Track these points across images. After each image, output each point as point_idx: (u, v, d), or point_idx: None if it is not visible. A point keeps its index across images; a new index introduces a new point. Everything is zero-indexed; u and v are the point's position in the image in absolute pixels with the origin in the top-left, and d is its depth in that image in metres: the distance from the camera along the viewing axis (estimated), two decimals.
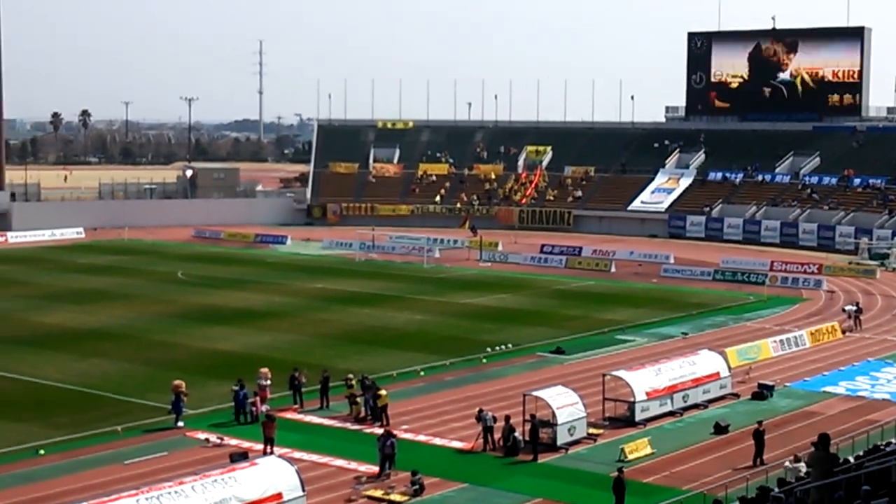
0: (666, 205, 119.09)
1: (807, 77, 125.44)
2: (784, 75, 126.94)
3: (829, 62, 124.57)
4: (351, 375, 45.78)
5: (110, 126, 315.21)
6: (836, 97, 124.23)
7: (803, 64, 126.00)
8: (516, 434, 39.29)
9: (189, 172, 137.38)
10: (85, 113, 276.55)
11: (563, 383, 44.03)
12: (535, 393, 41.35)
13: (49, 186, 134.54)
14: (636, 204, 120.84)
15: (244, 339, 59.28)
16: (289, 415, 43.69)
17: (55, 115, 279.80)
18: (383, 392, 43.24)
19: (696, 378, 46.29)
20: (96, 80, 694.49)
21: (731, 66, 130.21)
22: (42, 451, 39.01)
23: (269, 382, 44.94)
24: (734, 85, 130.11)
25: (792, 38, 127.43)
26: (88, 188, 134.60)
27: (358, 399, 43.93)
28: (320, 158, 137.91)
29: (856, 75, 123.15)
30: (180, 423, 42.19)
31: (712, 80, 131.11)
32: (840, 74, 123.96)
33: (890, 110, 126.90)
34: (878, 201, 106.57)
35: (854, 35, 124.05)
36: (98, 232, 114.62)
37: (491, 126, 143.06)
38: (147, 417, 43.31)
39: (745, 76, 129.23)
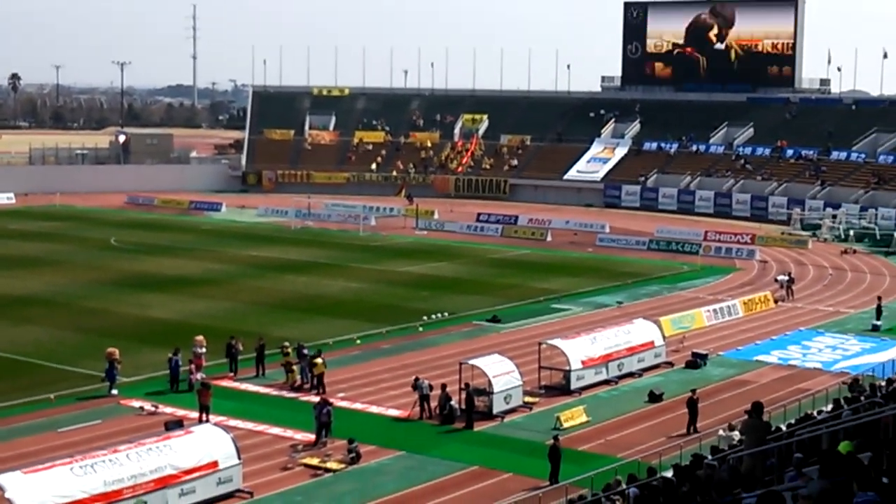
0: (601, 174, 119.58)
1: (740, 48, 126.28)
2: (719, 45, 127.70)
3: (764, 33, 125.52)
4: (287, 343, 45.69)
5: (41, 90, 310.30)
6: (770, 68, 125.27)
7: (739, 35, 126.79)
8: (452, 402, 39.42)
9: (122, 138, 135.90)
10: (14, 76, 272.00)
11: (500, 352, 44.24)
12: (471, 361, 41.47)
13: None
14: (572, 173, 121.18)
15: (179, 307, 58.88)
16: (224, 382, 43.52)
17: None
18: (319, 360, 43.18)
19: (630, 347, 46.68)
20: (26, 43, 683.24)
21: (667, 35, 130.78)
22: None
23: (204, 350, 44.72)
24: (669, 53, 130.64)
25: (728, 9, 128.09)
26: (19, 153, 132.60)
27: (294, 367, 43.85)
28: (255, 125, 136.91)
29: (790, 47, 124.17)
30: (114, 391, 41.90)
31: (648, 49, 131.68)
32: (775, 46, 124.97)
33: (823, 82, 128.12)
34: (811, 172, 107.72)
35: (788, 6, 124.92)
36: (29, 197, 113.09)
37: (427, 94, 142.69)
38: (80, 385, 42.97)
39: (681, 44, 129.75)
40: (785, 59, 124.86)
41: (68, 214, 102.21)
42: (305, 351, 44.40)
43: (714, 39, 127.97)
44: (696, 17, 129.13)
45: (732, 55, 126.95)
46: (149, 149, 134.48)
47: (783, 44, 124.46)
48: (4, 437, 36.73)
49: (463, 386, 39.75)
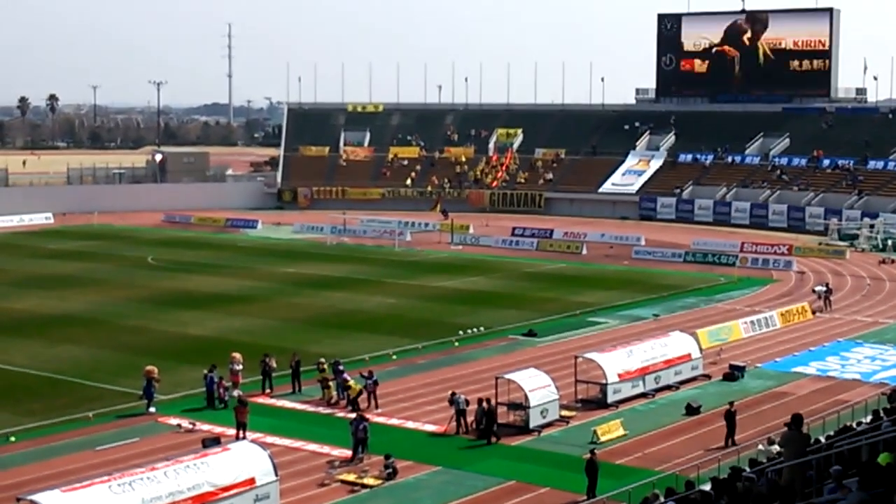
0: (637, 187, 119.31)
1: (773, 53, 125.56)
2: (753, 48, 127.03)
3: (799, 42, 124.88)
4: (322, 360, 45.72)
5: (78, 110, 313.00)
6: (805, 77, 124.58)
7: (773, 40, 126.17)
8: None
9: (158, 157, 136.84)
10: (52, 97, 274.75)
11: (536, 366, 44.12)
12: (507, 376, 41.37)
13: (17, 171, 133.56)
14: (607, 186, 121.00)
15: (216, 324, 59.09)
16: (261, 399, 43.62)
17: (22, 99, 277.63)
18: (352, 383, 43.14)
19: (667, 359, 46.45)
20: (64, 64, 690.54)
21: (703, 38, 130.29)
22: (13, 438, 38.82)
23: (241, 367, 44.87)
24: (706, 51, 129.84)
25: (761, 19, 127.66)
26: (57, 173, 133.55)
27: (330, 383, 43.87)
28: (290, 142, 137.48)
29: (824, 56, 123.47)
30: (152, 409, 42.05)
31: (685, 48, 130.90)
32: (809, 54, 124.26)
33: (859, 91, 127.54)
34: (848, 182, 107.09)
35: (823, 15, 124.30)
36: (67, 217, 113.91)
37: (461, 109, 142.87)
38: (118, 403, 43.15)
39: (717, 43, 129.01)
40: (820, 67, 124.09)
41: (106, 233, 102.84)
42: (341, 367, 44.40)
43: (748, 42, 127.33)
44: (731, 23, 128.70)
45: (764, 58, 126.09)
46: (185, 167, 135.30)
47: (818, 51, 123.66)
48: (43, 456, 36.91)
49: (485, 401, 39.49)
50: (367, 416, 38.55)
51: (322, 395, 43.92)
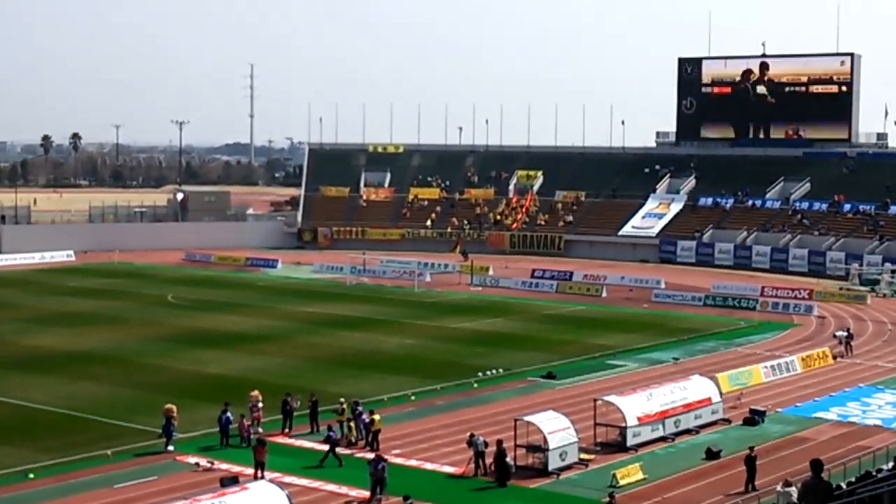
0: (657, 230, 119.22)
1: (793, 98, 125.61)
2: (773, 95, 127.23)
3: (818, 86, 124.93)
4: (342, 399, 45.67)
5: (101, 149, 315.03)
6: (825, 119, 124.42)
7: (792, 86, 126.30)
8: (508, 459, 39.18)
9: (180, 195, 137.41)
10: (75, 136, 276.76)
11: (555, 408, 43.98)
12: (526, 418, 41.27)
13: (39, 209, 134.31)
14: (627, 229, 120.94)
15: (235, 363, 59.14)
16: (279, 439, 43.55)
17: (45, 137, 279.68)
18: (377, 417, 43.14)
19: (687, 403, 46.24)
20: (87, 103, 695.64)
21: (720, 81, 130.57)
22: (31, 475, 38.83)
23: (261, 405, 44.87)
24: (728, 82, 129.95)
25: (781, 63, 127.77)
26: (79, 211, 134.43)
27: (351, 424, 43.76)
28: (311, 182, 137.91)
29: (845, 98, 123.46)
30: (170, 447, 42.03)
31: (703, 81, 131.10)
32: (829, 96, 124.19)
33: (880, 136, 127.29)
34: (869, 227, 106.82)
35: (844, 60, 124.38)
36: (88, 255, 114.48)
37: (482, 150, 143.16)
38: (137, 441, 43.17)
39: (737, 81, 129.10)
40: (841, 110, 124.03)
41: (126, 271, 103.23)
42: (360, 408, 44.25)
43: (767, 84, 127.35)
44: (750, 70, 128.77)
45: (783, 100, 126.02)
46: (206, 206, 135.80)
47: (838, 94, 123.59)
48: (61, 494, 36.91)
49: (495, 443, 39.29)
50: (386, 456, 38.43)
51: (341, 435, 43.83)
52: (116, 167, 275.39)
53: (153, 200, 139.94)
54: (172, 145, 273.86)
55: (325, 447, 40.96)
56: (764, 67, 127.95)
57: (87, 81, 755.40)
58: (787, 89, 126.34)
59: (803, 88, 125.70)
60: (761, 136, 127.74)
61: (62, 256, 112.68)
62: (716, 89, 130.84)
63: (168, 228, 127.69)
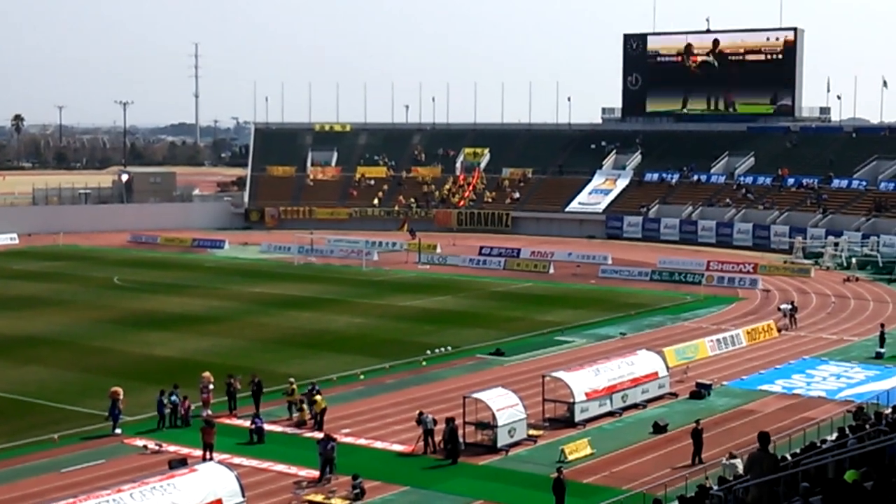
0: (603, 206, 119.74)
1: (736, 71, 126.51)
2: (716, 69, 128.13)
3: (761, 56, 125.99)
4: (292, 379, 45.60)
5: (44, 131, 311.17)
6: (767, 96, 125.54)
7: (735, 59, 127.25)
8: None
9: (125, 177, 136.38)
10: (18, 117, 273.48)
11: (503, 385, 44.13)
12: (475, 395, 41.40)
13: None
14: (574, 205, 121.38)
15: (182, 345, 58.86)
16: (228, 420, 43.44)
17: None
18: (319, 398, 43.13)
19: (634, 378, 46.56)
20: (29, 84, 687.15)
21: (665, 56, 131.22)
22: None
23: (212, 387, 44.75)
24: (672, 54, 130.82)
25: (725, 38, 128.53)
26: (22, 194, 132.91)
27: (304, 406, 43.67)
28: (258, 162, 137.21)
29: (788, 72, 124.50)
30: (118, 430, 41.83)
31: (649, 47, 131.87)
32: (771, 71, 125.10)
33: (823, 110, 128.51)
34: (812, 201, 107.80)
35: (787, 34, 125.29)
36: (32, 238, 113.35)
37: (428, 128, 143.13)
38: (84, 424, 42.91)
39: (682, 51, 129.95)
40: (784, 84, 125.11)
41: (72, 254, 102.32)
42: (318, 398, 43.83)
43: (711, 58, 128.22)
44: (692, 45, 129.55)
45: (726, 74, 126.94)
46: (152, 187, 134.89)
47: (782, 69, 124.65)
48: (8, 479, 36.64)
49: (450, 420, 39.41)
50: (335, 435, 38.44)
51: (290, 416, 43.82)
52: (60, 149, 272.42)
53: (98, 182, 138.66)
54: (116, 126, 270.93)
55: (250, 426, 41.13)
56: (708, 42, 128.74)
57: (29, 62, 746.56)
58: (730, 64, 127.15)
59: (746, 63, 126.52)
60: (705, 108, 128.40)
61: (6, 240, 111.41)
62: (660, 64, 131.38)
63: (113, 210, 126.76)
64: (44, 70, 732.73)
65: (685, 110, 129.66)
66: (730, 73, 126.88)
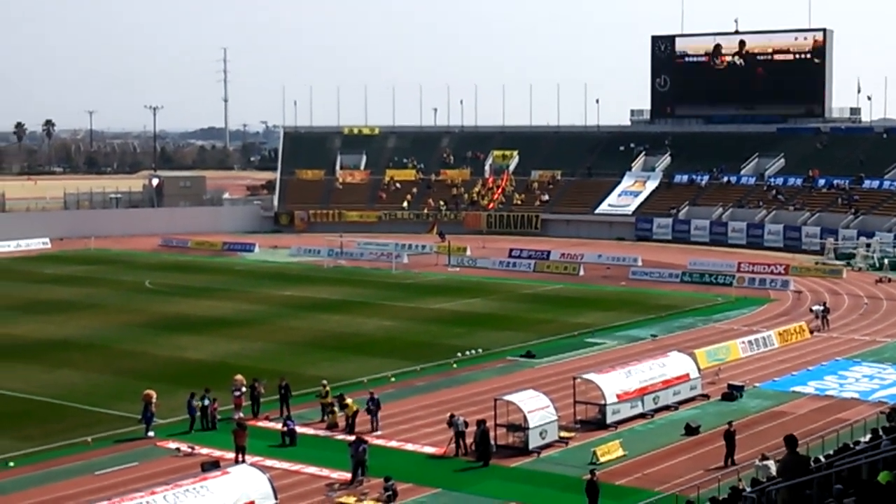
0: (633, 207, 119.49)
1: (767, 73, 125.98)
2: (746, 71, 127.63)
3: (792, 60, 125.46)
4: (325, 382, 45.67)
5: (74, 136, 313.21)
6: (798, 95, 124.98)
7: (765, 61, 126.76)
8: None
9: (155, 181, 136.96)
10: (49, 123, 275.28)
11: (534, 387, 44.15)
12: (506, 397, 41.38)
13: (13, 197, 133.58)
14: (603, 207, 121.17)
15: (213, 348, 59.07)
16: (259, 423, 43.57)
17: (18, 125, 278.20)
18: (350, 401, 43.20)
19: (666, 380, 46.45)
20: (60, 89, 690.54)
21: (694, 58, 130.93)
22: (12, 464, 38.77)
23: (244, 390, 44.90)
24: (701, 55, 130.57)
25: (754, 39, 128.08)
26: (53, 198, 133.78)
27: (335, 409, 43.75)
28: (287, 165, 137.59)
29: (817, 73, 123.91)
30: (151, 433, 42.03)
31: (677, 49, 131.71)
32: (802, 71, 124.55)
33: (853, 111, 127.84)
34: (843, 201, 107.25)
35: (817, 35, 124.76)
36: (64, 242, 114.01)
37: (457, 131, 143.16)
38: (117, 428, 43.12)
39: (711, 52, 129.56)
40: (814, 87, 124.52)
41: (103, 258, 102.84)
42: (348, 401, 43.91)
43: (739, 60, 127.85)
44: (721, 46, 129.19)
45: (757, 76, 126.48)
46: (182, 191, 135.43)
47: (810, 69, 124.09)
48: (42, 481, 36.86)
49: (481, 422, 39.45)
50: (366, 438, 38.50)
51: (322, 419, 43.90)
52: (90, 153, 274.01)
53: (128, 186, 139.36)
54: (147, 131, 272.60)
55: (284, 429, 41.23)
56: (735, 43, 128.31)
57: (61, 68, 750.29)
58: (759, 66, 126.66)
59: (774, 63, 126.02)
60: (735, 111, 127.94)
61: (38, 244, 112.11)
62: (689, 66, 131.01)
63: (144, 214, 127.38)
64: (74, 76, 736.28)
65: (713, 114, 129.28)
66: (757, 75, 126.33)
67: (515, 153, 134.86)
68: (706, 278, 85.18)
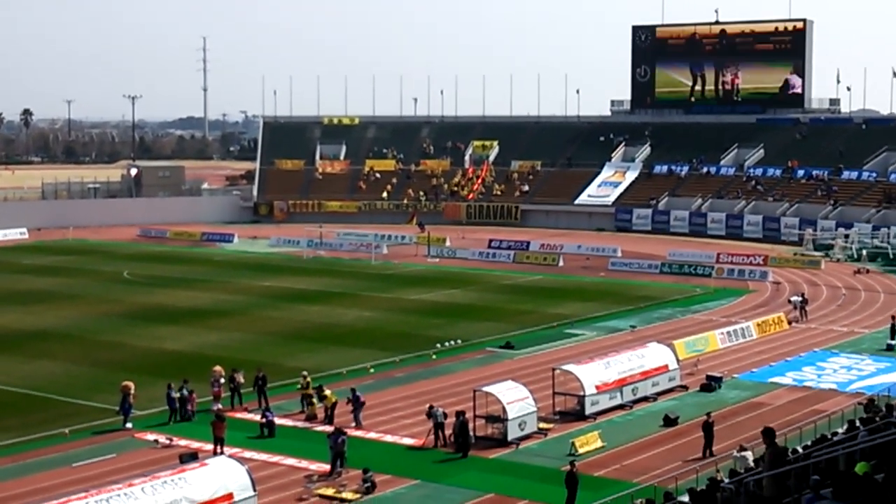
0: (612, 198, 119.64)
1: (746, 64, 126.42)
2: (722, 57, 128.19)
3: (771, 50, 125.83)
4: (306, 373, 45.55)
5: (52, 125, 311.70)
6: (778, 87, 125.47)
7: (745, 52, 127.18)
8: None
9: (133, 171, 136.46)
10: (26, 112, 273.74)
11: (513, 378, 44.15)
12: (485, 388, 41.37)
13: None
14: (583, 198, 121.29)
15: (192, 339, 58.91)
16: (238, 414, 43.48)
17: None
18: (329, 392, 43.15)
19: (644, 371, 46.53)
20: (38, 78, 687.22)
21: (674, 47, 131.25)
22: None
23: (223, 381, 44.80)
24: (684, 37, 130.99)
25: (734, 29, 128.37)
26: (31, 188, 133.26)
27: (314, 400, 43.67)
28: (266, 155, 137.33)
29: (797, 63, 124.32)
30: (129, 425, 41.88)
31: (658, 35, 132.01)
32: (781, 63, 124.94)
33: (832, 102, 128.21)
34: (822, 192, 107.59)
35: (795, 26, 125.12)
36: (42, 232, 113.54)
37: (437, 121, 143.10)
38: (95, 419, 42.95)
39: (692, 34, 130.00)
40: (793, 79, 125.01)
41: (81, 248, 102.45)
42: (327, 392, 43.82)
43: (720, 50, 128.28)
44: (703, 34, 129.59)
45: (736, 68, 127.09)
46: (160, 181, 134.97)
47: (790, 61, 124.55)
48: (19, 473, 36.69)
49: (460, 413, 39.41)
50: (345, 429, 38.45)
51: (301, 410, 43.82)
52: (69, 143, 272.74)
53: (107, 176, 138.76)
54: (125, 120, 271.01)
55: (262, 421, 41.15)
56: (716, 32, 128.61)
57: (38, 57, 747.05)
58: (740, 47, 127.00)
59: (755, 53, 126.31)
60: (712, 89, 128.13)
61: (15, 234, 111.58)
62: (669, 46, 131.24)
63: (122, 204, 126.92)
64: (52, 64, 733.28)
65: (694, 88, 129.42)
66: (739, 53, 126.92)
67: (495, 143, 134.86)
68: (685, 269, 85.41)
